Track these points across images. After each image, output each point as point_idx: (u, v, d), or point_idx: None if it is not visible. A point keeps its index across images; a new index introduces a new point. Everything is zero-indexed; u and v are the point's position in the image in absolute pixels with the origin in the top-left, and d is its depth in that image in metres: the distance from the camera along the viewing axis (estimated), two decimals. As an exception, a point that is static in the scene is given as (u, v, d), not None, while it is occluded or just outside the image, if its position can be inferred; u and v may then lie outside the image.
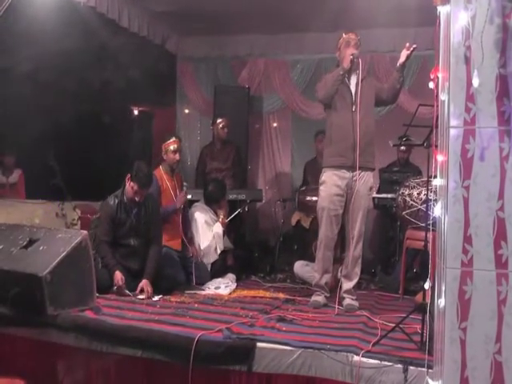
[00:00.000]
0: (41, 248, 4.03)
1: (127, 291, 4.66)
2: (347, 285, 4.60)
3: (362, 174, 4.55)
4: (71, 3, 5.51)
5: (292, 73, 7.88)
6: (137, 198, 4.83)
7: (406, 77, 7.22)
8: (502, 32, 2.67)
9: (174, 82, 8.27)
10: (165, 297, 4.70)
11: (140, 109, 8.08)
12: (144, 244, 4.91)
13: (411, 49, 4.38)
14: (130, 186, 4.82)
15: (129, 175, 4.82)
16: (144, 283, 4.71)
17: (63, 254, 3.89)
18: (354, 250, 4.58)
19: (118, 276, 4.64)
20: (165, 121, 8.20)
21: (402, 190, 5.07)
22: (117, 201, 4.86)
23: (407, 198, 4.96)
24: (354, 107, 4.50)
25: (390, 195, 6.10)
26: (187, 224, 5.66)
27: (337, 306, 4.42)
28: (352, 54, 4.49)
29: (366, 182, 4.58)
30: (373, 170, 4.72)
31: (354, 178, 4.51)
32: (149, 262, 4.84)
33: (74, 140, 6.08)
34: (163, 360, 3.56)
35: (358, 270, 4.62)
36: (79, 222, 5.66)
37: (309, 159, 7.10)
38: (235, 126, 7.24)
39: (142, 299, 4.57)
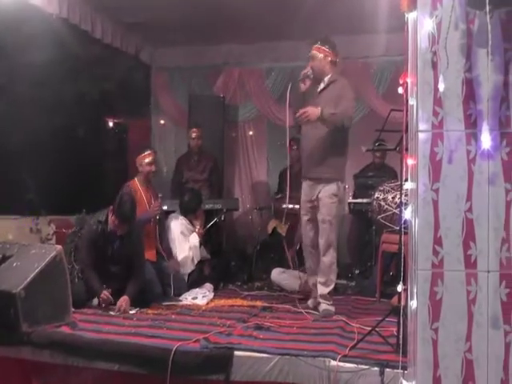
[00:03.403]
0: (14, 264, 3.98)
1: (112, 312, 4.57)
2: (322, 290, 4.61)
3: (323, 184, 4.58)
4: (43, 15, 5.46)
5: (267, 81, 7.90)
6: (118, 232, 4.76)
7: (380, 82, 7.33)
8: (466, 37, 2.73)
9: (148, 92, 8.23)
10: (142, 309, 4.66)
11: (114, 120, 8.04)
12: (124, 269, 4.82)
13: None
14: (111, 219, 4.74)
15: (111, 207, 4.75)
16: (122, 298, 4.62)
17: (37, 269, 3.85)
18: (325, 257, 4.60)
19: (105, 296, 4.58)
20: (140, 132, 8.16)
21: (376, 195, 5.12)
22: (100, 228, 4.79)
23: (382, 203, 5.01)
24: None
25: (365, 200, 6.12)
26: (163, 235, 5.63)
27: (304, 311, 4.53)
28: (303, 74, 4.62)
29: (326, 191, 4.58)
30: (335, 180, 4.60)
31: (316, 188, 4.61)
32: (128, 289, 4.71)
33: (47, 153, 6.02)
34: (141, 373, 3.54)
35: (332, 276, 4.62)
36: (54, 237, 5.60)
37: (284, 167, 7.11)
38: (210, 135, 7.25)
39: (118, 312, 4.53)
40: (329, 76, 4.66)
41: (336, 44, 4.74)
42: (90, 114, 7.10)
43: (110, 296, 4.60)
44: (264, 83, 7.90)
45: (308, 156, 4.69)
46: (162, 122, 8.26)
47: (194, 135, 6.86)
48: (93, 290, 4.67)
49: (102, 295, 4.60)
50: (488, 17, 2.52)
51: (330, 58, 4.65)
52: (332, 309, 4.56)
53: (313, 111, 4.42)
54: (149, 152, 5.54)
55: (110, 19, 6.56)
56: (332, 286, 4.62)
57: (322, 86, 4.68)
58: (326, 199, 4.56)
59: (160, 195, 5.62)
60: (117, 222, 4.71)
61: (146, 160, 5.47)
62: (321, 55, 4.64)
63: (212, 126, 7.41)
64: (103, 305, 4.59)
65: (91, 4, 6.07)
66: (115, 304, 4.60)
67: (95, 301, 4.72)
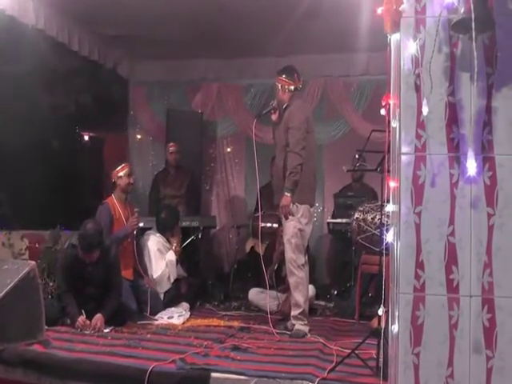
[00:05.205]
0: (-14, 280, 3.88)
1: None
2: (293, 312, 4.59)
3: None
4: (20, 25, 5.39)
5: (245, 97, 7.89)
6: (87, 260, 4.65)
7: (360, 101, 7.38)
8: (449, 61, 2.73)
9: (126, 106, 8.13)
10: (117, 328, 4.58)
11: (91, 134, 7.93)
12: (100, 289, 4.73)
13: None
14: (79, 248, 4.65)
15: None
16: (97, 317, 4.53)
17: (10, 285, 3.77)
18: (290, 278, 4.61)
19: (81, 322, 4.47)
20: (116, 146, 8.07)
21: (356, 215, 5.09)
22: (74, 252, 4.70)
23: (361, 223, 4.99)
24: None
25: (344, 220, 6.11)
26: (140, 253, 5.54)
27: (275, 331, 4.51)
28: (270, 105, 4.89)
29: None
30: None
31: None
32: (103, 307, 4.63)
33: (22, 166, 5.91)
34: (115, 393, 3.46)
35: (298, 297, 4.56)
36: (27, 252, 5.46)
37: (263, 184, 7.07)
38: (188, 151, 7.21)
39: (93, 331, 4.44)
40: (285, 105, 4.77)
41: (296, 69, 4.83)
42: (65, 127, 7.02)
43: (86, 321, 4.49)
44: (243, 99, 7.90)
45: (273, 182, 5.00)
46: (139, 136, 8.18)
47: (171, 149, 6.86)
48: (70, 316, 4.57)
49: (77, 322, 4.48)
50: (474, 43, 2.52)
51: (287, 87, 4.76)
52: (304, 329, 4.54)
53: (284, 202, 4.54)
54: (124, 164, 5.53)
55: (88, 32, 6.52)
56: (302, 308, 4.56)
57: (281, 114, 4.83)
58: (285, 221, 4.64)
59: (136, 209, 5.55)
60: (81, 253, 4.63)
61: (123, 172, 5.42)
62: (279, 85, 4.79)
63: (190, 141, 7.38)
64: (79, 329, 4.47)
65: (69, 16, 6.02)
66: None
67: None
